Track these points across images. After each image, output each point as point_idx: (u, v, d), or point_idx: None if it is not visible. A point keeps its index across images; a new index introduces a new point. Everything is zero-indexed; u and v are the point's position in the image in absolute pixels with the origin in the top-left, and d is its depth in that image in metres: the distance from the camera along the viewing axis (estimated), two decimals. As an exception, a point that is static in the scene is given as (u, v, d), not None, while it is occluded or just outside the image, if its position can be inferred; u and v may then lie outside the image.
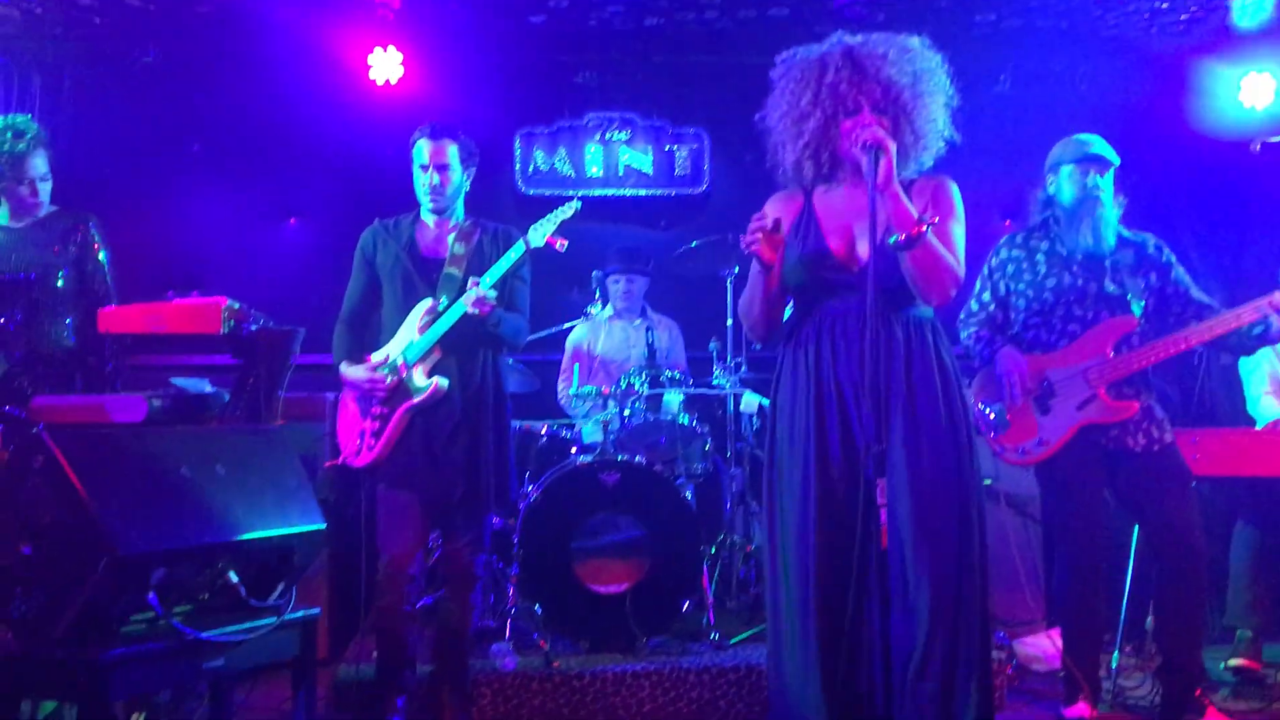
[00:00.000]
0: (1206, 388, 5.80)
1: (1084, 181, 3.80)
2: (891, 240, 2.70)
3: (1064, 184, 3.86)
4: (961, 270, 2.84)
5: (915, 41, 2.89)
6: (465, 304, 3.54)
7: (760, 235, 2.75)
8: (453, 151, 3.72)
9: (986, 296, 3.98)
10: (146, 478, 2.59)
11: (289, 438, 3.23)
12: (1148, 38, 6.18)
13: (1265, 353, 4.73)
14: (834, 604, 2.70)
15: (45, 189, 4.01)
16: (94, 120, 6.12)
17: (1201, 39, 6.12)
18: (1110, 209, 3.80)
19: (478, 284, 3.55)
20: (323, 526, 2.90)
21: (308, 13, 5.72)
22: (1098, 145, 3.84)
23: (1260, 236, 6.54)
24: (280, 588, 2.84)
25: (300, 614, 2.85)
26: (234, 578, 2.68)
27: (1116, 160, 3.83)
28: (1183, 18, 5.92)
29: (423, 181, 3.73)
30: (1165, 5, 5.77)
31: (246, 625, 2.68)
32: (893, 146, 2.73)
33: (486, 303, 3.54)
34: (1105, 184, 3.81)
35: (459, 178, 3.75)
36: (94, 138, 6.04)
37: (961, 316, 4.04)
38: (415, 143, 3.74)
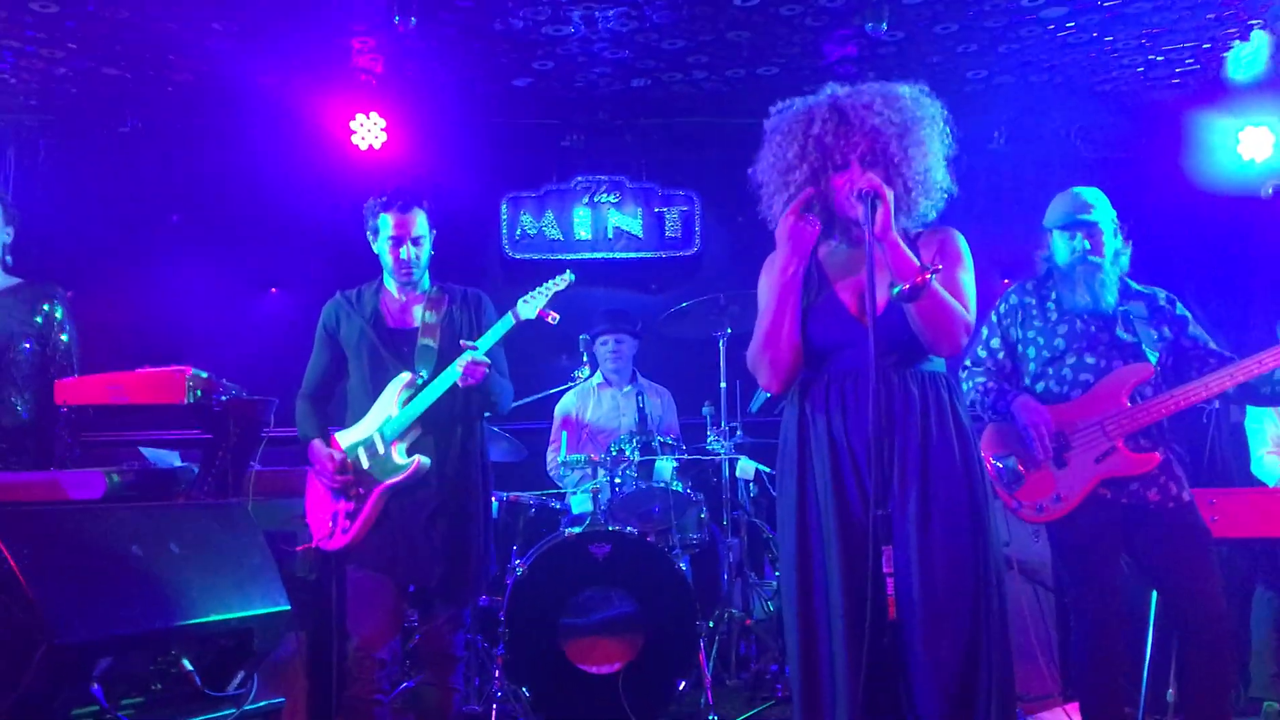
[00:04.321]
0: (1217, 447, 5.63)
1: (1072, 245, 3.68)
2: (894, 290, 2.54)
3: (1056, 246, 3.75)
4: (972, 318, 2.71)
5: (905, 89, 2.75)
6: (458, 369, 3.34)
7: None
8: (423, 220, 3.54)
9: (996, 343, 3.82)
10: (93, 558, 2.42)
11: (256, 514, 3.05)
12: (1143, 91, 6.13)
13: (1269, 413, 4.60)
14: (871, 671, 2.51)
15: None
16: (71, 191, 6.04)
17: (1198, 92, 6.07)
18: (1110, 267, 3.66)
19: (473, 347, 3.35)
20: (287, 609, 2.72)
21: (288, 79, 5.65)
22: (1087, 202, 3.69)
23: (1262, 289, 6.43)
24: (240, 675, 2.64)
25: (262, 704, 2.68)
26: (188, 665, 2.49)
27: (1105, 219, 3.68)
28: (1178, 71, 5.87)
29: (398, 255, 3.52)
30: (1160, 59, 5.71)
31: (202, 718, 2.50)
32: (890, 194, 2.59)
33: (480, 366, 3.34)
34: (1108, 241, 3.67)
35: (429, 246, 3.59)
36: (71, 208, 5.94)
37: (967, 363, 3.86)
38: (377, 215, 3.53)
